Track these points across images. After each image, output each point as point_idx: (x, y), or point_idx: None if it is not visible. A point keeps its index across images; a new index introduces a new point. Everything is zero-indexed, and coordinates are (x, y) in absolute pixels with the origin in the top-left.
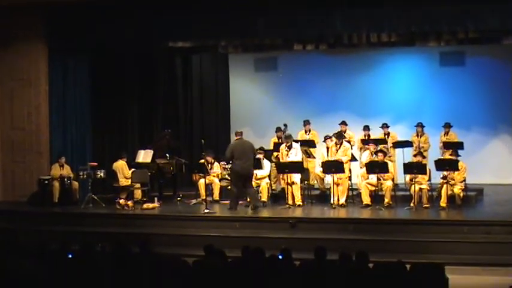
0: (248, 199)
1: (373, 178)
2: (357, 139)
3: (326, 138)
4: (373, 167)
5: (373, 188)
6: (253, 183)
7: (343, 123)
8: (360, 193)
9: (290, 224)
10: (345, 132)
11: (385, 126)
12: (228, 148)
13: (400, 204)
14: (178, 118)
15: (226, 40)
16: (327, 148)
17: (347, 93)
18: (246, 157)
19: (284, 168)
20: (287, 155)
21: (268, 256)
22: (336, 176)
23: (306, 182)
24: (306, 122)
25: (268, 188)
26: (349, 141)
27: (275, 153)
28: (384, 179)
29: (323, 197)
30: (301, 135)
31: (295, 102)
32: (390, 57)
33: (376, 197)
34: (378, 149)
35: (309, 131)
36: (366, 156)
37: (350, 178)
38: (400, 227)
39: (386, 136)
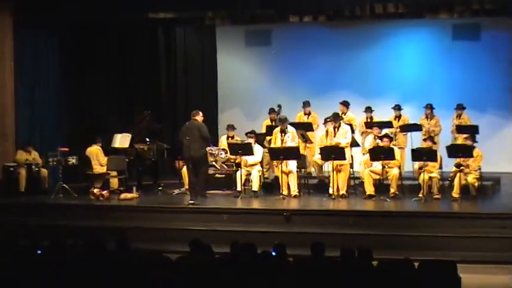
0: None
1: (377, 166)
2: (359, 122)
3: (326, 120)
4: (377, 153)
5: (378, 177)
6: (244, 171)
7: (344, 103)
8: (363, 182)
9: (284, 216)
10: (345, 114)
11: (397, 108)
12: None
13: (408, 195)
14: (160, 98)
15: (213, 11)
16: (326, 132)
17: (348, 71)
18: (192, 138)
19: (278, 154)
20: (281, 139)
21: (260, 252)
22: (336, 163)
23: (302, 170)
24: (306, 104)
25: (260, 177)
26: (350, 125)
27: (268, 138)
28: (389, 167)
29: (321, 186)
30: (299, 117)
31: (290, 80)
32: (397, 30)
33: (381, 186)
34: (383, 133)
35: (309, 113)
36: (369, 141)
37: (352, 165)
38: (408, 220)
39: (397, 119)
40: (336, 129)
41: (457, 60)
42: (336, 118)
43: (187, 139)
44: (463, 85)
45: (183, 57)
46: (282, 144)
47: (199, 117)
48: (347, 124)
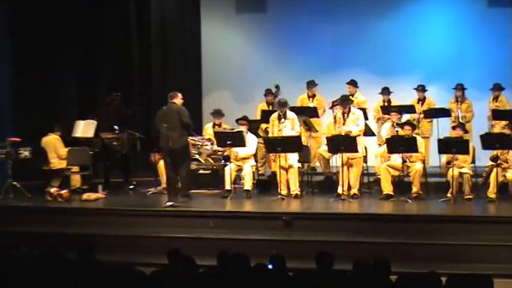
0: (180, 185)
1: (396, 159)
2: (374, 106)
3: (334, 104)
4: (396, 144)
5: (397, 173)
6: (234, 166)
7: (352, 83)
8: (379, 179)
9: (284, 221)
10: (353, 95)
11: (420, 89)
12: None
13: (434, 194)
14: (132, 78)
15: None
16: (334, 118)
17: (361, 44)
18: (170, 126)
19: (276, 145)
20: (280, 127)
21: (254, 265)
22: (346, 156)
23: (305, 165)
24: (311, 84)
25: (253, 173)
26: (363, 109)
27: (263, 125)
28: (411, 161)
29: (329, 184)
30: (301, 100)
31: (290, 56)
32: None
33: (401, 184)
34: (404, 119)
35: (314, 96)
36: (386, 130)
37: (365, 159)
38: (433, 225)
39: (420, 103)
40: (346, 115)
41: (493, 31)
42: (345, 101)
43: (164, 126)
44: (501, 61)
45: (159, 28)
46: (280, 133)
47: (178, 100)
48: (359, 109)
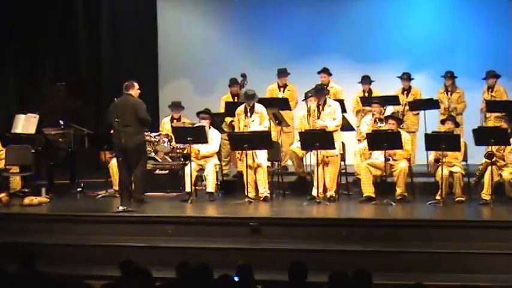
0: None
1: (378, 157)
2: (352, 98)
3: (307, 96)
4: (378, 140)
5: (379, 173)
6: (195, 165)
7: (324, 71)
8: (359, 180)
9: (251, 227)
10: (326, 85)
11: (406, 77)
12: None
13: (420, 196)
14: (79, 67)
15: None
16: (308, 111)
17: (338, 27)
18: (124, 121)
19: (242, 142)
20: (246, 122)
21: (218, 277)
22: (322, 153)
23: (275, 164)
24: (282, 72)
25: (217, 173)
26: (340, 101)
27: (228, 119)
28: (395, 159)
29: (302, 186)
30: (271, 91)
31: (258, 40)
32: None
33: (384, 185)
34: (387, 112)
35: (285, 86)
36: (367, 124)
37: (343, 157)
38: (420, 231)
39: (405, 93)
40: (321, 107)
41: (489, 12)
42: (319, 92)
43: (117, 121)
44: (496, 46)
45: (109, 10)
46: (247, 128)
47: (135, 91)
48: (336, 100)
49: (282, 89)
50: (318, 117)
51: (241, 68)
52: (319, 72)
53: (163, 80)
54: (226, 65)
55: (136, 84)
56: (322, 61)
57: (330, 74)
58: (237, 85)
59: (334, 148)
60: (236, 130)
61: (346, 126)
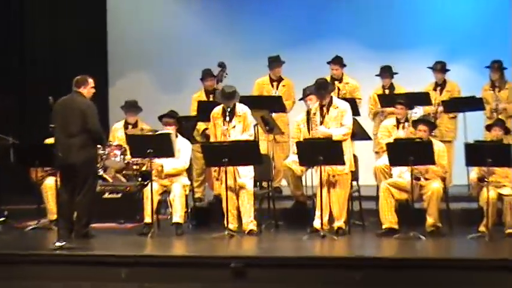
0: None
1: (403, 175)
2: (369, 96)
3: (306, 93)
4: (403, 153)
5: (404, 197)
6: (157, 187)
7: (337, 61)
8: (377, 206)
9: (232, 270)
10: (340, 80)
11: (439, 67)
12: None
13: (459, 228)
14: (8, 59)
15: None
16: (307, 114)
17: (345, 5)
18: (68, 128)
19: (220, 155)
20: (227, 129)
21: None
22: (327, 170)
23: (265, 185)
24: (274, 61)
25: (186, 197)
26: (351, 101)
27: (201, 125)
28: (425, 178)
29: (301, 214)
30: (260, 86)
31: (242, 21)
32: None
33: (410, 213)
34: (414, 115)
35: (279, 80)
36: (387, 130)
37: (355, 176)
38: (459, 274)
39: (438, 89)
40: (325, 108)
41: None
42: (322, 87)
43: (53, 127)
44: None
45: None
46: (226, 137)
47: (87, 90)
48: (343, 100)
49: (275, 84)
50: (321, 123)
51: (219, 56)
52: (329, 63)
53: (114, 73)
54: (200, 52)
55: (90, 81)
56: (326, 48)
57: (344, 65)
58: (213, 78)
59: (343, 164)
60: (212, 140)
61: (359, 135)
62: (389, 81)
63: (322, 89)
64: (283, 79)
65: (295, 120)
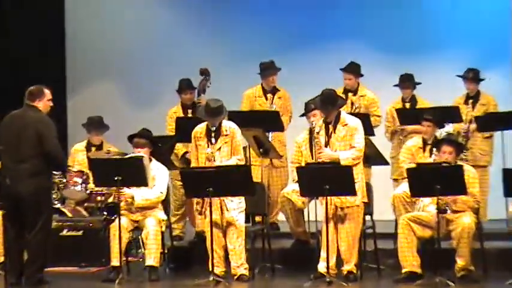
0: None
1: (427, 208)
2: (386, 110)
3: (310, 108)
4: (427, 180)
5: (428, 234)
6: (127, 223)
7: (351, 69)
8: (395, 245)
9: None
10: (354, 92)
11: (472, 76)
12: None
13: (496, 272)
14: None
15: None
16: (310, 133)
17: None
18: (20, 150)
19: (204, 184)
20: (211, 152)
21: None
22: (335, 202)
23: (263, 219)
24: (269, 69)
25: (162, 235)
26: (364, 117)
27: (180, 147)
28: (454, 211)
29: (302, 256)
30: (250, 99)
31: (229, 21)
32: None
33: (436, 254)
34: (441, 133)
35: (274, 91)
36: (408, 153)
37: (369, 209)
38: None
39: (470, 102)
40: (331, 126)
41: None
42: (329, 102)
43: (8, 153)
44: None
45: None
46: (211, 161)
47: (43, 103)
48: (354, 115)
49: (269, 96)
50: (326, 144)
51: (201, 62)
52: (342, 70)
53: (73, 83)
54: (178, 57)
55: (48, 93)
56: (331, 52)
57: (360, 75)
58: (193, 91)
59: (354, 194)
60: (194, 165)
61: (374, 158)
62: (410, 93)
63: (329, 104)
64: (278, 90)
65: (295, 141)
